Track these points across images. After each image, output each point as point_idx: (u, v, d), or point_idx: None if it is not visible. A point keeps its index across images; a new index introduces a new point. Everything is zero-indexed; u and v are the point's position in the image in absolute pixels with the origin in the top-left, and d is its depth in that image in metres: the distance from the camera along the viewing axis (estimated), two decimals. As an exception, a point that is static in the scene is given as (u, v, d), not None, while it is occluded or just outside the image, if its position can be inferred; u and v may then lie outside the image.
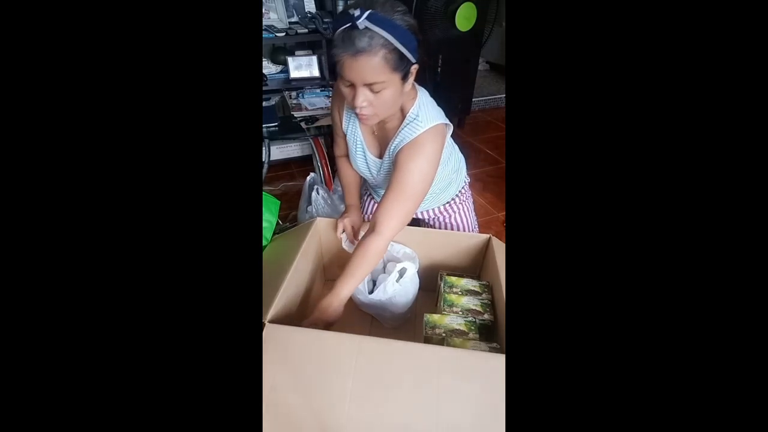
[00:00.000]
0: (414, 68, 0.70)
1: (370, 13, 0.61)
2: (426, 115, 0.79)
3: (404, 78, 0.70)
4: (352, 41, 0.62)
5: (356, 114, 0.73)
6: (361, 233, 0.97)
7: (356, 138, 0.89)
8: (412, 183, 0.77)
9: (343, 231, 0.99)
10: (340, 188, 1.34)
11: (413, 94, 0.80)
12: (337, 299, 0.75)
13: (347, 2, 1.65)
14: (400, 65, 0.67)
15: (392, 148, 0.82)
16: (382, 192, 0.98)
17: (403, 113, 0.80)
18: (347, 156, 0.97)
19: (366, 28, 0.61)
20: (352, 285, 0.77)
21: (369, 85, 0.67)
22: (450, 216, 1.08)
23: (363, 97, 0.69)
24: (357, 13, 0.61)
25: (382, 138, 0.86)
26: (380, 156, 0.89)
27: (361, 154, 0.91)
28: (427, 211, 1.08)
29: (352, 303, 1.04)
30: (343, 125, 0.90)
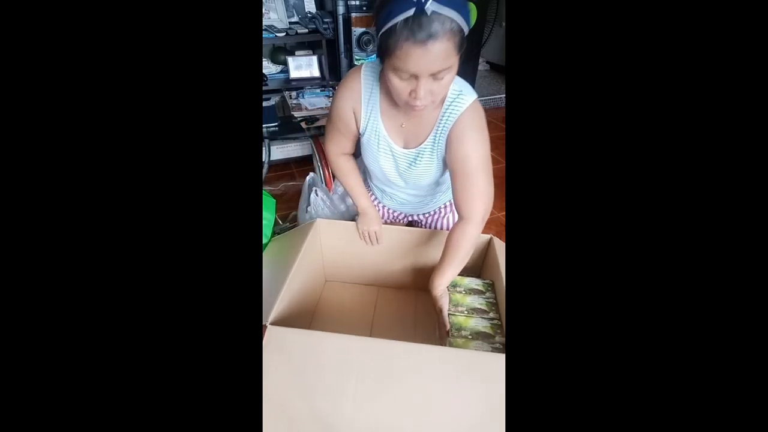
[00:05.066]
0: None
1: None
2: (467, 88, 0.75)
3: (459, 59, 0.62)
4: (421, 29, 0.54)
5: (409, 105, 0.66)
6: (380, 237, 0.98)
7: (378, 134, 0.81)
8: (482, 155, 0.74)
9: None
10: (340, 189, 1.33)
11: None
12: (441, 286, 0.79)
13: (347, 2, 1.65)
14: (462, 43, 0.59)
15: (439, 130, 0.76)
16: (405, 190, 0.93)
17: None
18: (349, 155, 0.95)
19: (434, 12, 0.54)
20: (451, 274, 0.79)
21: (434, 74, 0.60)
22: (452, 215, 1.07)
23: (426, 88, 0.62)
24: None
25: (415, 126, 0.79)
26: (409, 147, 0.81)
27: (386, 150, 0.83)
28: (428, 214, 1.07)
29: (351, 302, 1.05)
30: (362, 123, 0.81)
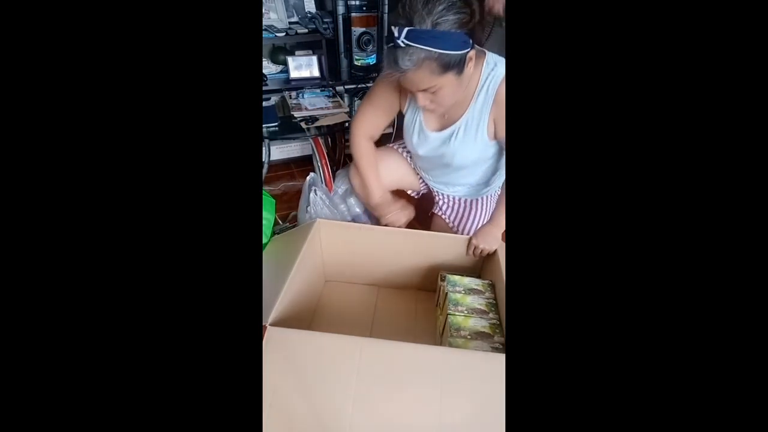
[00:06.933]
0: (471, 54, 0.72)
1: (408, 31, 0.65)
2: (501, 61, 0.82)
3: (459, 71, 0.72)
4: (396, 61, 0.68)
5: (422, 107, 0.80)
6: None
7: (417, 116, 0.93)
8: None
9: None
10: (340, 189, 1.33)
11: (482, 54, 0.81)
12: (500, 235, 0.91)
13: (347, 2, 1.65)
14: (449, 66, 0.69)
15: (476, 106, 0.84)
16: (450, 175, 1.01)
17: (478, 74, 0.82)
18: (373, 142, 1.01)
19: (407, 45, 0.66)
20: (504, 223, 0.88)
21: (424, 90, 0.74)
22: (475, 212, 1.07)
23: (423, 99, 0.77)
24: (396, 33, 0.65)
25: (453, 110, 0.87)
26: (443, 129, 0.91)
27: (419, 132, 0.93)
28: (489, 196, 1.08)
29: (350, 302, 1.04)
30: (407, 102, 0.92)
